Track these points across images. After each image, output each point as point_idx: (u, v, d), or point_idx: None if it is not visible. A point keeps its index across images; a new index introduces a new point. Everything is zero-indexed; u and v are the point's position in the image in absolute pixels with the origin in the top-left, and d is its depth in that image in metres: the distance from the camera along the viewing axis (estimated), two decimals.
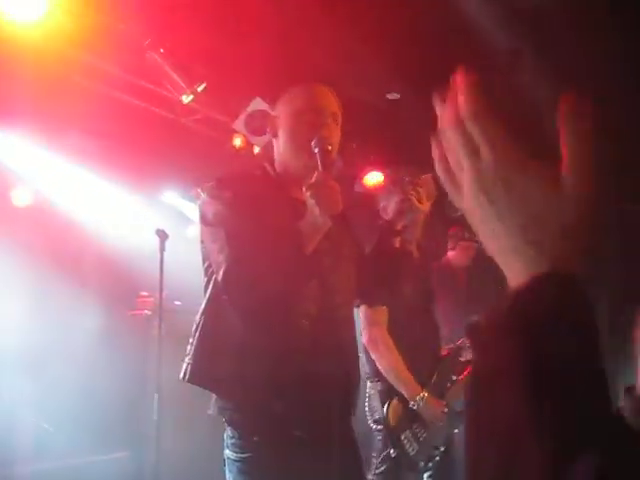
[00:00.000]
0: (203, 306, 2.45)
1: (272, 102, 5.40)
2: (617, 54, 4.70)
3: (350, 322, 2.61)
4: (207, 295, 2.44)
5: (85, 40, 4.39)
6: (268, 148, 2.68)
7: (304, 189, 2.23)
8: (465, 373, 3.89)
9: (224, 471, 2.38)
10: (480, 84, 0.74)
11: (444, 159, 0.78)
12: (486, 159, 0.73)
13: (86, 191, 6.11)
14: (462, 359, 4.45)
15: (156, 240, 4.75)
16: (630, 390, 1.49)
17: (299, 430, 2.33)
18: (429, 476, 3.79)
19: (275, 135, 2.53)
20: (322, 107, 2.46)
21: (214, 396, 2.43)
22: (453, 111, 0.75)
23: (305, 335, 2.36)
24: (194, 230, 7.16)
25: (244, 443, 2.33)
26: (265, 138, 5.65)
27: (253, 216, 2.31)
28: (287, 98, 2.54)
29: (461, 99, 0.74)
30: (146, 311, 5.89)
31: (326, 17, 4.40)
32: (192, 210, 7.03)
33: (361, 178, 6.75)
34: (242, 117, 5.43)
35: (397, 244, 2.69)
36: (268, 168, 2.55)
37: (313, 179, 2.24)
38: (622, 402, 1.49)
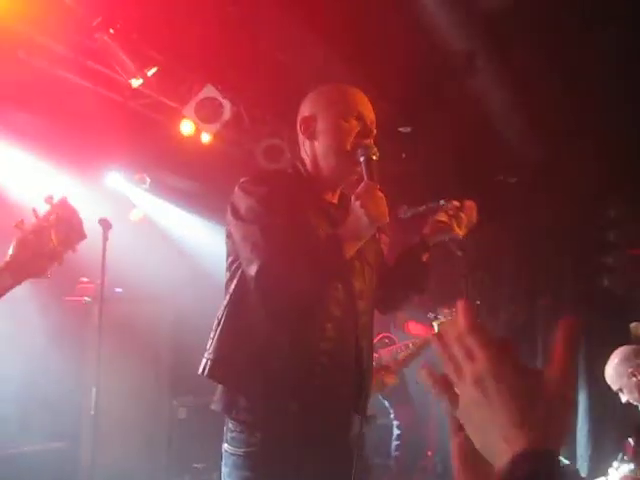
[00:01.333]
0: (226, 301, 2.44)
1: (224, 90, 5.42)
2: (572, 54, 4.75)
3: (370, 330, 2.60)
4: (230, 290, 2.44)
5: (31, 15, 4.23)
6: (298, 148, 2.62)
7: (353, 198, 2.26)
8: None
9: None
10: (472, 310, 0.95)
11: (450, 356, 0.95)
12: (480, 359, 0.90)
13: (25, 172, 5.90)
14: None
15: (99, 228, 4.62)
16: None
17: (307, 432, 2.35)
18: None
19: (312, 137, 2.50)
20: (366, 114, 2.49)
21: (219, 392, 2.43)
22: (453, 330, 0.95)
23: (328, 338, 2.38)
24: (137, 214, 7.13)
25: (246, 438, 2.34)
26: (216, 126, 5.56)
27: (288, 215, 2.32)
28: (327, 100, 2.52)
29: (460, 320, 0.94)
30: (86, 298, 5.74)
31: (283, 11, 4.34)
32: (136, 194, 6.90)
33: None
34: (192, 103, 5.32)
35: (425, 259, 2.68)
36: (300, 168, 2.54)
37: (361, 188, 2.27)
38: None
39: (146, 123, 5.75)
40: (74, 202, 5.93)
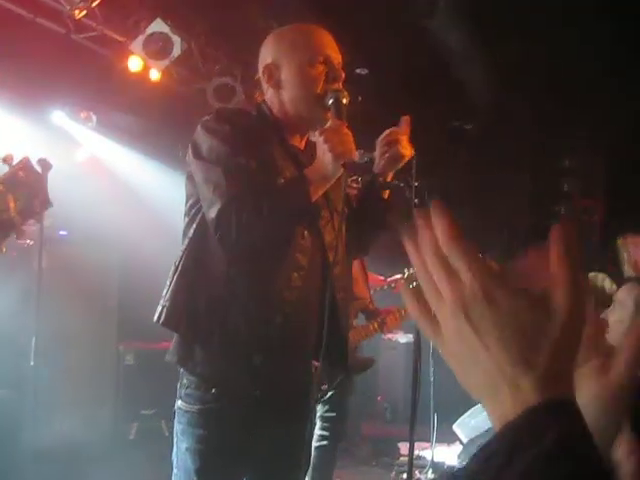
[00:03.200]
0: (183, 247, 2.30)
1: (174, 25, 5.18)
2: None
3: (346, 280, 2.50)
4: (189, 235, 2.30)
5: None
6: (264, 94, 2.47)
7: (317, 133, 2.18)
8: None
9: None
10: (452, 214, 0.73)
11: (419, 299, 0.75)
12: (467, 278, 0.71)
13: None
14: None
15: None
16: None
17: (265, 387, 2.26)
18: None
19: (277, 86, 2.37)
20: (334, 56, 2.37)
21: (174, 343, 2.32)
22: (429, 237, 0.74)
23: (293, 287, 2.28)
24: (83, 154, 6.90)
25: (201, 395, 2.25)
26: (165, 62, 5.34)
27: (253, 155, 2.21)
28: (290, 45, 2.38)
29: (438, 226, 0.73)
30: (28, 241, 5.53)
31: None
32: (82, 133, 6.66)
33: None
34: (141, 38, 5.08)
35: (386, 197, 2.58)
36: (266, 111, 2.41)
37: (328, 125, 2.20)
38: None
39: (92, 58, 5.50)
40: (15, 141, 5.67)
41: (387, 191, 2.57)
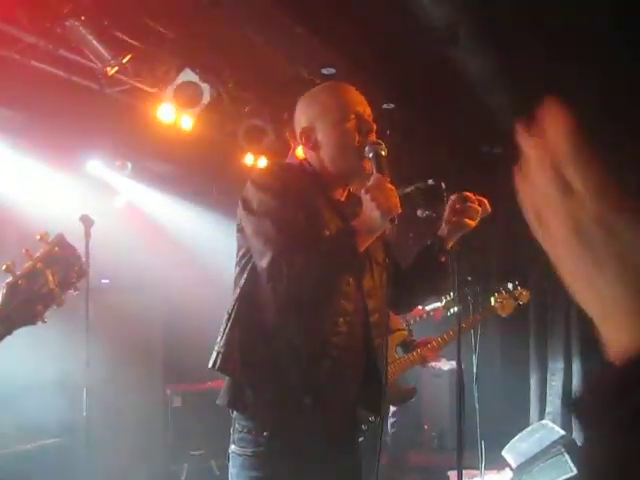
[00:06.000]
0: (236, 295, 2.43)
1: (202, 73, 5.31)
2: (555, 28, 4.69)
3: (385, 328, 2.57)
4: (240, 285, 2.43)
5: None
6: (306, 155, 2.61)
7: (363, 191, 2.26)
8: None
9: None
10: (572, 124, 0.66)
11: (530, 193, 0.69)
12: (581, 196, 0.64)
13: (4, 166, 5.79)
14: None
15: (81, 226, 4.54)
16: None
17: (315, 429, 2.35)
18: None
19: (316, 148, 2.51)
20: (363, 111, 2.49)
21: (225, 386, 2.43)
22: (542, 146, 0.68)
23: (339, 332, 2.39)
24: (120, 202, 7.04)
25: (253, 438, 2.34)
26: (196, 110, 5.47)
27: (300, 208, 2.34)
28: (322, 107, 2.52)
29: (554, 136, 0.67)
30: (72, 291, 5.66)
31: None
32: (118, 181, 6.80)
33: None
34: (170, 88, 5.23)
35: (444, 261, 2.63)
36: (307, 167, 2.55)
37: (372, 182, 2.28)
38: None
39: (125, 109, 5.66)
40: (56, 192, 5.81)
41: (445, 256, 2.62)
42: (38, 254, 1.99)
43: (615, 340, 0.63)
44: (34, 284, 1.96)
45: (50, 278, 1.98)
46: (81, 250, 4.48)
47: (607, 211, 0.64)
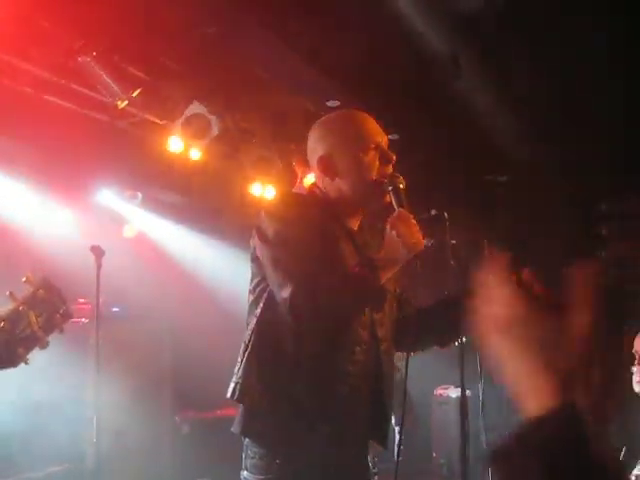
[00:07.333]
0: (252, 324, 2.42)
1: (210, 105, 5.42)
2: (555, 58, 4.77)
3: (392, 356, 2.60)
4: (256, 314, 2.42)
5: (13, 42, 4.24)
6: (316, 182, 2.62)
7: (388, 227, 2.30)
8: None
9: None
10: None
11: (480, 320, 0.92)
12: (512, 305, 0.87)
13: (16, 198, 5.90)
14: None
15: (92, 256, 4.63)
16: None
17: (329, 457, 2.35)
18: None
19: (334, 176, 2.49)
20: (381, 140, 2.49)
21: (239, 414, 2.43)
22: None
23: (356, 361, 2.39)
24: (131, 230, 7.12)
25: (266, 465, 2.33)
26: (204, 142, 5.57)
27: (316, 237, 2.33)
28: (341, 136, 2.50)
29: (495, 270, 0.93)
30: (82, 319, 5.74)
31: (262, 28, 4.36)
32: (129, 211, 6.89)
33: None
34: (179, 121, 5.33)
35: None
36: (318, 193, 2.54)
37: (396, 217, 2.32)
38: None
39: (134, 141, 5.76)
40: (66, 223, 5.88)
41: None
42: (22, 296, 1.99)
43: (530, 404, 0.81)
44: (16, 327, 1.96)
45: (34, 320, 1.98)
46: (92, 279, 4.64)
47: (525, 313, 0.87)
